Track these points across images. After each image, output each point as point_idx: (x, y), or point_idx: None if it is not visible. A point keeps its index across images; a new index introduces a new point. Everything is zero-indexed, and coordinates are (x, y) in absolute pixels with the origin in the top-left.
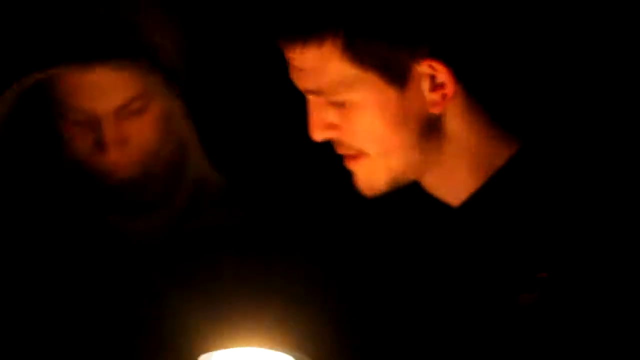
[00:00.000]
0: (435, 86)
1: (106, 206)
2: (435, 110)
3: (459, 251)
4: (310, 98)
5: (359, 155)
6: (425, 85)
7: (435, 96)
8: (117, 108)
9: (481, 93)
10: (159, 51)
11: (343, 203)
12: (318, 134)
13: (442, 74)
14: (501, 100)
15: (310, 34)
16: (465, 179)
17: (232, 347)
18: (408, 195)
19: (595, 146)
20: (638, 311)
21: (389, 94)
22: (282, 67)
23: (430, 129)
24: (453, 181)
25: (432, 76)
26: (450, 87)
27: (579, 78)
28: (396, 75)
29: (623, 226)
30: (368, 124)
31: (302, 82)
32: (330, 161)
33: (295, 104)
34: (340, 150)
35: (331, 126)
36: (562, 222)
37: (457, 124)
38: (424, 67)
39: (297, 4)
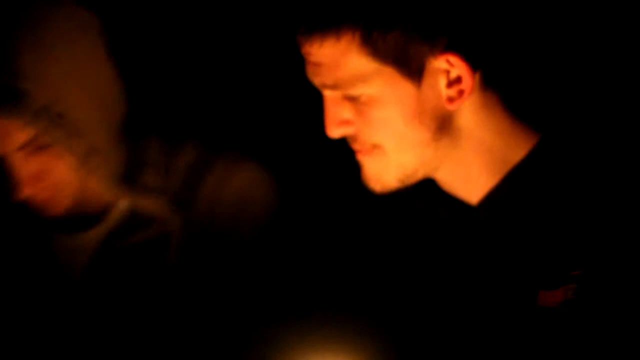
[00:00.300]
0: (452, 82)
1: (44, 223)
2: (452, 107)
3: (479, 250)
4: (327, 94)
5: (372, 149)
6: (442, 80)
7: (451, 92)
8: (20, 147)
9: (498, 85)
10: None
11: (361, 203)
12: (334, 131)
13: (459, 69)
14: (518, 92)
15: (328, 27)
16: (481, 175)
17: None
18: (427, 194)
19: (617, 138)
20: None
21: (406, 88)
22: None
23: (444, 126)
24: (469, 178)
25: (449, 72)
26: (467, 83)
27: (600, 70)
28: (413, 69)
29: None
30: (384, 118)
31: (320, 77)
32: (345, 161)
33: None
34: (355, 146)
35: (347, 122)
36: (587, 218)
37: (473, 120)
38: (441, 62)
39: None
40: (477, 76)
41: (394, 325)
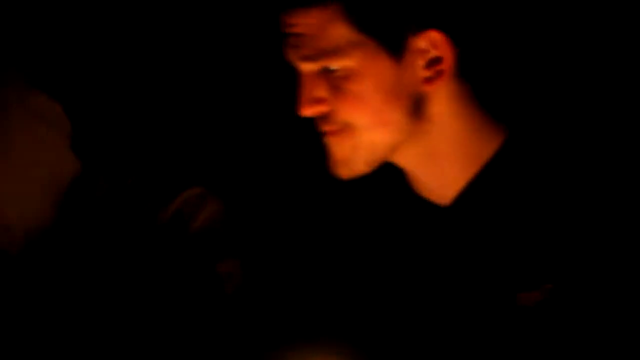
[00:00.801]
0: (431, 62)
1: None
2: (428, 88)
3: (454, 251)
4: (304, 69)
5: (343, 130)
6: (421, 60)
7: (429, 72)
8: None
9: (473, 77)
10: None
11: (332, 206)
12: (307, 109)
13: (441, 48)
14: (490, 87)
15: None
16: (453, 169)
17: None
18: (398, 198)
19: (584, 135)
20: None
21: (386, 63)
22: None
23: (419, 109)
24: (441, 172)
25: (428, 51)
26: (448, 63)
27: (566, 67)
28: (395, 45)
29: (621, 219)
30: (360, 92)
31: (300, 49)
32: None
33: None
34: (324, 126)
35: (320, 101)
36: (559, 215)
37: (446, 108)
38: (422, 41)
39: None
40: (455, 62)
41: (372, 328)
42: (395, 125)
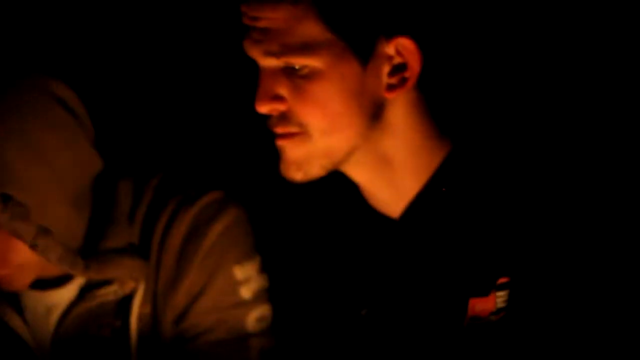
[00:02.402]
0: (395, 69)
1: None
2: (390, 96)
3: (404, 263)
4: (265, 65)
5: (299, 132)
6: (387, 66)
7: (393, 80)
8: None
9: (427, 88)
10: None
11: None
12: (264, 106)
13: (410, 56)
14: (438, 99)
15: None
16: (405, 179)
17: None
18: (351, 211)
19: (528, 144)
20: (600, 311)
21: (352, 66)
22: None
23: (377, 116)
24: (395, 186)
25: (393, 58)
26: (413, 71)
27: (509, 77)
28: (364, 48)
29: (564, 224)
30: (322, 94)
31: (265, 43)
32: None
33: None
34: (280, 127)
35: (279, 98)
36: (506, 222)
37: (404, 117)
38: (391, 47)
39: None
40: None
41: (323, 340)
42: (354, 131)
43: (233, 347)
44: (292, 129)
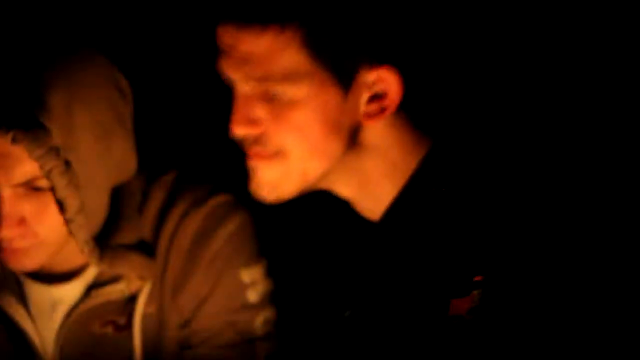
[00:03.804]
0: (374, 97)
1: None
2: (369, 123)
3: (387, 265)
4: (241, 90)
5: (274, 155)
6: (366, 93)
7: (372, 107)
8: (17, 182)
9: (409, 102)
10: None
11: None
12: (240, 129)
13: (391, 85)
14: (418, 100)
15: (275, 17)
16: (384, 187)
17: None
18: (332, 214)
19: (507, 141)
20: (577, 311)
21: (333, 95)
22: None
23: (353, 140)
24: (371, 191)
25: (373, 86)
26: (393, 101)
27: (488, 75)
28: (346, 78)
29: (543, 222)
30: (301, 122)
31: (245, 69)
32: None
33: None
34: (254, 150)
35: (255, 122)
36: (482, 221)
37: (379, 135)
38: (371, 76)
39: None
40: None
41: (309, 342)
42: (331, 156)
43: (240, 351)
44: (268, 152)
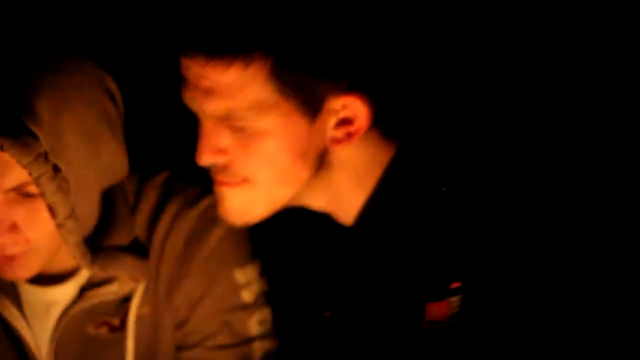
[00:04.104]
0: (341, 123)
1: None
2: (336, 148)
3: (362, 269)
4: (207, 121)
5: (242, 182)
6: (332, 121)
7: (339, 133)
8: (7, 188)
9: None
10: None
11: None
12: (207, 158)
13: (357, 111)
14: (383, 111)
15: (240, 51)
16: (353, 195)
17: None
18: (307, 219)
19: (475, 144)
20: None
21: (300, 124)
22: None
23: (321, 163)
24: (342, 201)
25: (339, 112)
26: (361, 126)
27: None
28: (312, 107)
29: (513, 222)
30: (269, 152)
31: (207, 103)
32: None
33: None
34: (221, 177)
35: (222, 151)
36: (453, 226)
37: (346, 155)
38: (337, 103)
39: (227, 18)
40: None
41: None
42: (299, 181)
43: (237, 352)
44: (236, 179)
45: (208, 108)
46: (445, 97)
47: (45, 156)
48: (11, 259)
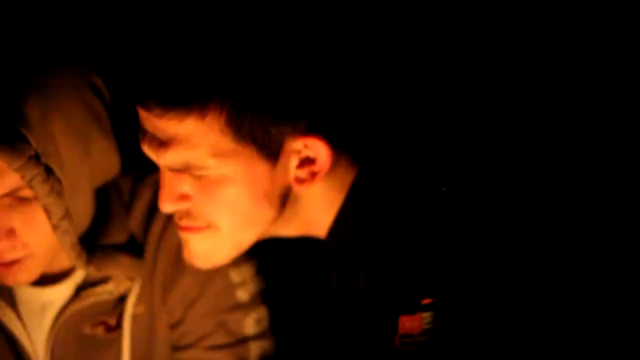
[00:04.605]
0: (303, 162)
1: None
2: (300, 187)
3: (334, 282)
4: (167, 170)
5: (205, 228)
6: (294, 161)
7: (301, 173)
8: (1, 196)
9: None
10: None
11: None
12: (169, 207)
13: (318, 151)
14: (344, 138)
15: (196, 101)
16: (324, 216)
17: None
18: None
19: (437, 162)
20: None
21: (261, 168)
22: None
23: (285, 200)
24: (314, 223)
25: (300, 152)
26: (323, 165)
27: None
28: (272, 150)
29: (486, 242)
30: (231, 198)
31: (166, 156)
32: None
33: None
34: (185, 222)
35: (184, 197)
36: (420, 242)
37: (311, 190)
38: (297, 144)
39: (179, 70)
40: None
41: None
42: (264, 222)
43: (233, 352)
44: (200, 225)
45: (167, 159)
46: (405, 115)
47: (36, 159)
48: (11, 264)
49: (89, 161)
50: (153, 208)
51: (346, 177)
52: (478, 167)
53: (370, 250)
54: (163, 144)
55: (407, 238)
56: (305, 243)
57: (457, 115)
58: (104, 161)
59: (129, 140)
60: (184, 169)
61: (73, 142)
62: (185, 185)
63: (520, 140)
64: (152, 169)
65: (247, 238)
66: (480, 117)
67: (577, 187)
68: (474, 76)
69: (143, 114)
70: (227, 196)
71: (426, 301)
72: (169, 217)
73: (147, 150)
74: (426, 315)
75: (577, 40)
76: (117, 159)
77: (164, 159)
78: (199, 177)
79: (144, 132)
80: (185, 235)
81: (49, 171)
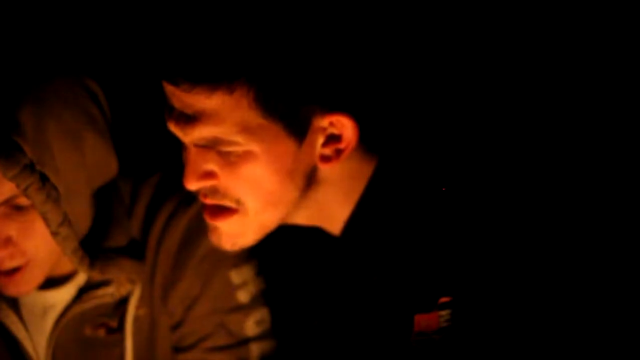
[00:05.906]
0: (329, 140)
1: None
2: (325, 166)
3: (350, 280)
4: (193, 146)
5: (231, 209)
6: (320, 139)
7: (327, 150)
8: None
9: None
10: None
11: None
12: (194, 184)
13: (345, 129)
14: (367, 128)
15: (224, 77)
16: (341, 208)
17: None
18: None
19: (455, 156)
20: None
21: (287, 146)
22: None
23: (310, 181)
24: (331, 214)
25: (326, 129)
26: (348, 144)
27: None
28: (299, 128)
29: (505, 240)
30: (258, 174)
31: (196, 132)
32: None
33: None
34: (212, 200)
35: (210, 174)
36: (435, 233)
37: (335, 172)
38: (324, 121)
39: (209, 46)
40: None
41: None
42: (288, 202)
43: (233, 353)
44: (226, 203)
45: (194, 134)
46: (425, 108)
47: (31, 166)
48: (12, 273)
49: (84, 164)
50: (153, 210)
51: (363, 166)
52: (494, 167)
53: (388, 248)
54: (190, 119)
55: (425, 236)
56: (313, 241)
57: (475, 114)
58: (101, 164)
59: (129, 142)
60: (211, 145)
61: (68, 148)
62: (210, 162)
63: (542, 138)
64: (152, 171)
65: (270, 219)
66: (499, 113)
67: (596, 186)
68: (492, 72)
69: (170, 89)
70: (252, 173)
71: (444, 299)
72: (169, 219)
73: (174, 127)
74: (443, 313)
75: (578, 41)
76: (115, 161)
77: (191, 134)
78: (225, 154)
79: (171, 109)
80: (213, 218)
81: (44, 178)
